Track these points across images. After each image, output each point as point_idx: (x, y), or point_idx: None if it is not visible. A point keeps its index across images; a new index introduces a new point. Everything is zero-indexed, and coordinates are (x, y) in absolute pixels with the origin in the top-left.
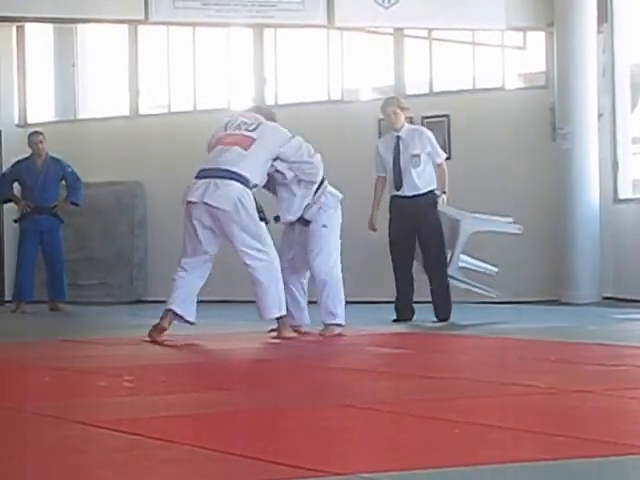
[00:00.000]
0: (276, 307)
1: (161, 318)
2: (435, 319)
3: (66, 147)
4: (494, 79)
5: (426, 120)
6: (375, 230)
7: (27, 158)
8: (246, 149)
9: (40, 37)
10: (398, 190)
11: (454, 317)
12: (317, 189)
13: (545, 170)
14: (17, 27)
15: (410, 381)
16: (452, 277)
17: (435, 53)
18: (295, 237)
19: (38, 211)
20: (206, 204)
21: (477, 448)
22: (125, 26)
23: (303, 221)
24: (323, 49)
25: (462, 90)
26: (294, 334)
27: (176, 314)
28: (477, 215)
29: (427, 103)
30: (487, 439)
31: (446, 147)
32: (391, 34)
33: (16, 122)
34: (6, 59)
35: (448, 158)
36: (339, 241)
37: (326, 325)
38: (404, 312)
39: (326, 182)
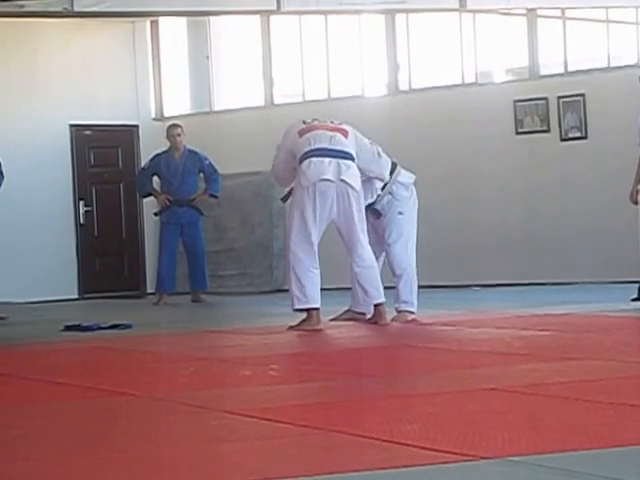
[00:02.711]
0: (379, 293)
1: (309, 316)
2: None
3: (202, 139)
4: (629, 57)
5: (562, 100)
6: (636, 204)
7: (165, 151)
8: (346, 137)
9: (174, 31)
10: None
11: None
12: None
13: None
14: (151, 22)
15: (553, 363)
16: None
17: (569, 32)
18: (369, 225)
19: (178, 204)
20: (343, 182)
21: (628, 429)
22: (257, 16)
23: (374, 212)
24: (456, 32)
25: (597, 69)
26: (388, 321)
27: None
28: None
29: (562, 83)
30: (638, 420)
31: (582, 126)
32: (524, 15)
33: (153, 116)
34: (141, 54)
35: (584, 137)
36: (415, 226)
37: (399, 312)
38: None
39: (397, 170)
